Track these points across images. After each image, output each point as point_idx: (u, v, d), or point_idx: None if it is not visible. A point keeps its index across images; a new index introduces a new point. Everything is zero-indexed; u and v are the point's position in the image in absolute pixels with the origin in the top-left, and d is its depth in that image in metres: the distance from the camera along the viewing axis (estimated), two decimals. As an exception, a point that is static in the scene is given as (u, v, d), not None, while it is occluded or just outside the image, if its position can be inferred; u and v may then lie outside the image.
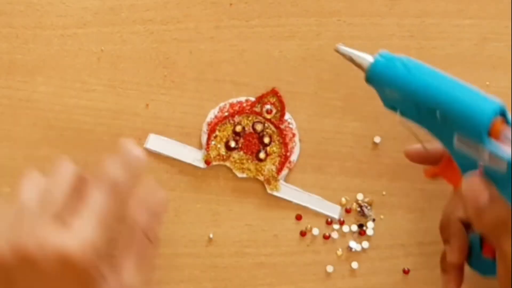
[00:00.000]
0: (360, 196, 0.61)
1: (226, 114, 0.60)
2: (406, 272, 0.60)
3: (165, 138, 0.60)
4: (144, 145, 0.59)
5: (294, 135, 0.60)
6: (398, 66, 0.49)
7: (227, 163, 0.60)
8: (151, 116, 0.60)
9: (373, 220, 0.61)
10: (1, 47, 0.59)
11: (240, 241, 0.60)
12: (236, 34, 0.60)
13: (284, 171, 0.60)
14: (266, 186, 0.60)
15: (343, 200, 0.60)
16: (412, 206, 0.61)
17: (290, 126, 0.60)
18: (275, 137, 0.60)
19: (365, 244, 0.60)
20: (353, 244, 0.60)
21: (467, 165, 0.49)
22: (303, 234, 0.60)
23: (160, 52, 0.60)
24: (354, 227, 0.61)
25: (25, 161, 0.59)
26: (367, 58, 0.50)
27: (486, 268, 0.54)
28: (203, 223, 0.60)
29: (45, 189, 0.49)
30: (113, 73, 0.60)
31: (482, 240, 0.53)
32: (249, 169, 0.60)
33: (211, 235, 0.60)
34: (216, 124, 0.60)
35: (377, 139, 0.60)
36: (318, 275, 0.60)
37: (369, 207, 0.60)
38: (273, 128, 0.60)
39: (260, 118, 0.60)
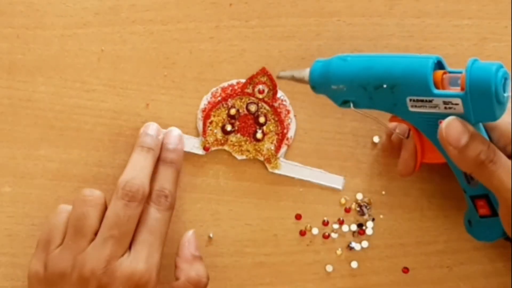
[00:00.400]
0: (359, 196, 0.61)
1: (219, 98, 0.60)
2: (405, 271, 0.61)
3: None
4: None
5: (288, 111, 0.60)
6: (334, 61, 0.53)
7: (226, 147, 0.60)
8: (151, 116, 0.60)
9: (373, 219, 0.61)
10: (2, 47, 0.59)
11: (240, 241, 0.60)
12: (236, 34, 0.60)
13: (283, 148, 0.60)
14: (267, 165, 0.60)
15: (343, 200, 0.61)
16: (411, 205, 0.61)
17: (284, 103, 0.60)
18: (270, 116, 0.60)
19: (365, 243, 0.61)
20: (353, 244, 0.61)
21: (430, 130, 0.52)
22: (302, 233, 0.61)
23: (160, 52, 0.60)
24: (354, 227, 0.61)
25: (25, 161, 0.60)
26: (305, 70, 0.54)
27: (487, 230, 0.55)
28: (203, 222, 0.60)
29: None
30: (113, 73, 0.60)
31: (474, 203, 0.55)
32: (248, 151, 0.60)
33: (211, 235, 0.60)
34: (210, 109, 0.60)
35: (376, 139, 0.61)
36: (318, 275, 0.60)
37: (368, 207, 0.61)
38: (267, 107, 0.60)
39: (253, 99, 0.60)
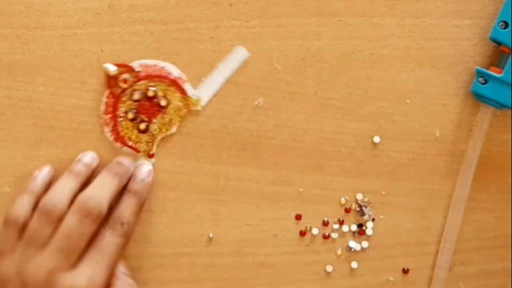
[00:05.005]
0: (359, 196, 0.61)
1: (111, 109, 0.59)
2: (405, 271, 0.61)
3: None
4: None
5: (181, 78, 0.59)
6: None
7: (159, 137, 0.59)
8: (151, 116, 0.60)
9: (373, 220, 0.61)
10: (2, 47, 0.59)
11: (240, 241, 0.60)
12: (236, 34, 0.60)
13: (188, 89, 0.59)
14: (194, 108, 0.59)
15: (343, 200, 0.61)
16: (412, 205, 0.61)
17: (168, 70, 0.59)
18: (169, 93, 0.59)
19: (365, 243, 0.61)
20: (353, 244, 0.61)
21: None
22: (302, 233, 0.61)
23: (160, 52, 0.60)
24: (354, 227, 0.61)
25: (25, 161, 0.59)
26: None
27: None
28: (203, 222, 0.60)
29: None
30: (113, 73, 0.60)
31: None
32: (173, 122, 0.59)
33: (211, 235, 0.60)
34: (115, 125, 0.59)
35: (376, 139, 0.61)
36: (318, 275, 0.60)
37: (368, 207, 0.61)
38: (164, 86, 0.59)
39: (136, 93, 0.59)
